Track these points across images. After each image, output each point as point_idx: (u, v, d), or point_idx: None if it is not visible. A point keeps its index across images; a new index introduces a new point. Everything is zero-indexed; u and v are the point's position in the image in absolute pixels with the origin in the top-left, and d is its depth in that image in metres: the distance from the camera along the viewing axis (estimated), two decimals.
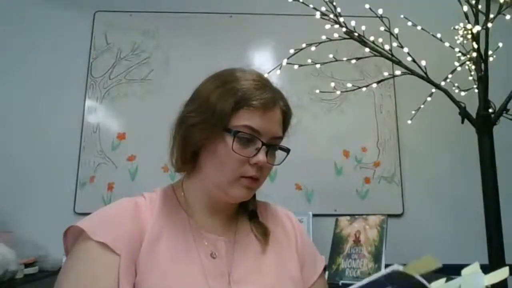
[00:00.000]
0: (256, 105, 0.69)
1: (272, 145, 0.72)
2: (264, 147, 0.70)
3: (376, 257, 1.41)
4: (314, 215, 1.88)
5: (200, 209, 0.75)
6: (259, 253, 0.75)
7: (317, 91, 1.85)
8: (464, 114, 1.54)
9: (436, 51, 1.73)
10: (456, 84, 1.84)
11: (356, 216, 1.58)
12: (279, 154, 0.76)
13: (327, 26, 1.60)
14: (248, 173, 0.69)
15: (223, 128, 0.68)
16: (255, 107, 0.69)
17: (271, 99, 0.71)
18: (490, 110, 1.50)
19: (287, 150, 0.76)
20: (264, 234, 0.78)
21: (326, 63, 1.68)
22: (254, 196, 0.83)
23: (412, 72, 1.57)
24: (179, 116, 0.75)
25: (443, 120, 2.02)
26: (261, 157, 0.69)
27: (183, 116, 0.74)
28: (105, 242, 0.62)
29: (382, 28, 1.54)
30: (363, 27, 1.57)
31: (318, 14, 1.57)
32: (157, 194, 0.75)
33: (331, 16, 1.57)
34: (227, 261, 0.71)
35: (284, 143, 0.77)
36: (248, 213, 0.82)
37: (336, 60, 1.67)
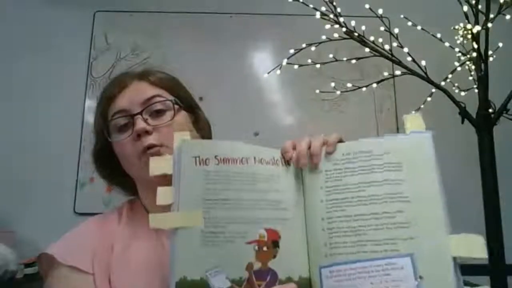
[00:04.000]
0: (110, 93, 0.74)
1: (148, 109, 0.71)
2: (139, 116, 0.70)
3: None
4: None
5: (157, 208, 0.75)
6: None
7: (317, 91, 1.85)
8: (464, 114, 1.54)
9: (436, 51, 1.73)
10: (456, 84, 1.84)
11: None
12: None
13: (327, 26, 1.60)
14: (140, 148, 0.69)
15: (106, 131, 0.73)
16: (111, 96, 0.73)
17: (121, 79, 0.75)
18: (490, 110, 1.51)
19: (172, 101, 0.73)
20: None
21: (326, 63, 1.68)
22: None
23: (412, 72, 1.57)
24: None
25: (443, 120, 2.02)
26: (137, 126, 0.69)
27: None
28: (75, 265, 0.65)
29: (382, 28, 1.54)
30: (363, 27, 1.57)
31: (318, 14, 1.57)
32: (124, 204, 0.78)
33: (331, 16, 1.57)
34: None
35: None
36: None
37: (336, 60, 1.66)
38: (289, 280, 0.52)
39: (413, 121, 0.58)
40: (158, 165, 0.57)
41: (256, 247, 0.52)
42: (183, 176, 0.53)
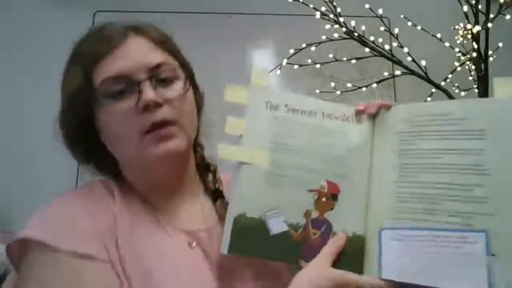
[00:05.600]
0: (96, 52, 0.59)
1: (156, 77, 0.57)
2: (146, 82, 0.55)
3: None
4: None
5: (156, 197, 0.61)
6: None
7: (317, 91, 1.85)
8: None
9: (436, 51, 1.73)
10: (456, 84, 1.83)
11: None
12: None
13: (327, 26, 1.60)
14: (147, 123, 0.55)
15: (88, 99, 0.57)
16: (97, 56, 0.58)
17: (109, 35, 0.60)
18: None
19: (186, 74, 0.62)
20: None
21: (326, 63, 1.69)
22: (215, 171, 0.69)
23: (412, 72, 1.57)
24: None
25: None
26: (147, 96, 0.54)
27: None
28: (86, 252, 0.49)
29: (382, 28, 1.54)
30: (363, 27, 1.57)
31: (318, 14, 1.57)
32: (110, 183, 0.61)
33: (331, 16, 1.57)
34: (206, 252, 0.59)
35: None
36: (211, 195, 0.66)
37: (336, 60, 1.67)
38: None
39: (506, 86, 0.49)
40: (234, 93, 0.59)
41: (316, 196, 0.53)
42: (254, 116, 0.57)
